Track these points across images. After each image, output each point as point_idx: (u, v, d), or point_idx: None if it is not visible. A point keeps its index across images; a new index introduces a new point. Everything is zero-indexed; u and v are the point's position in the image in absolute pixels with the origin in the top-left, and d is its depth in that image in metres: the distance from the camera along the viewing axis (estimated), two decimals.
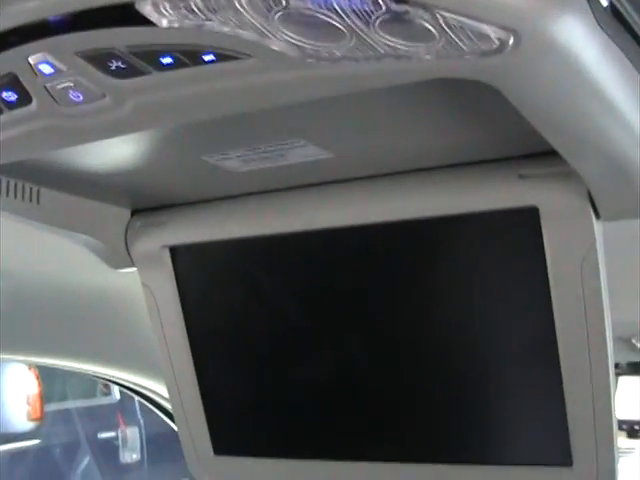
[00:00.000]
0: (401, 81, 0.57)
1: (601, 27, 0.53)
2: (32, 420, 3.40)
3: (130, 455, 4.54)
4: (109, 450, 4.47)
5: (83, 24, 0.54)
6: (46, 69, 0.58)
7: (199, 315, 1.05)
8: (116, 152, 0.83)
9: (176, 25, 0.53)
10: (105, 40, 0.55)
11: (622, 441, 2.43)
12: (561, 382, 0.85)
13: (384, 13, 0.49)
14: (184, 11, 0.52)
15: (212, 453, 1.10)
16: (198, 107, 0.61)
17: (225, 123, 0.67)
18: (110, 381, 1.79)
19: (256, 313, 1.03)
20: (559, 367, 0.85)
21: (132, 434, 4.54)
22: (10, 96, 0.61)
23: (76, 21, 0.54)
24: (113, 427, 4.53)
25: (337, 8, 0.50)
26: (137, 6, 0.52)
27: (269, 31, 0.52)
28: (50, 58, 0.57)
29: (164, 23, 0.53)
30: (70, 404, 4.38)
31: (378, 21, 0.50)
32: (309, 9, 0.50)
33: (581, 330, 0.83)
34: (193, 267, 1.03)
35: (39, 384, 3.40)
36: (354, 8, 0.49)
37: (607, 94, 0.58)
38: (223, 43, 0.53)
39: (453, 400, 0.94)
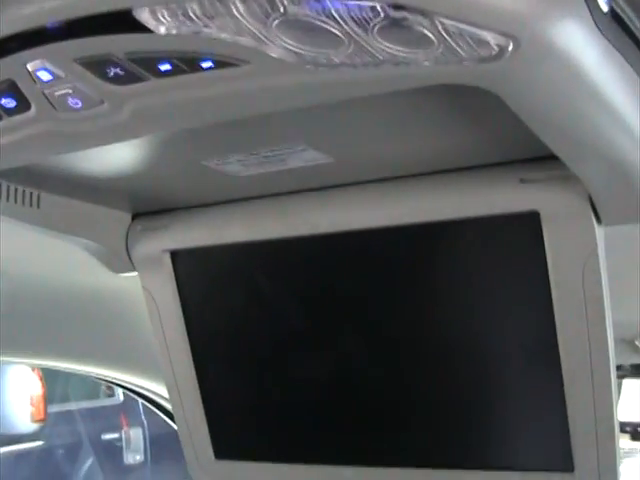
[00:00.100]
0: (400, 87, 0.57)
1: (601, 32, 0.53)
2: (35, 421, 3.40)
3: (133, 456, 4.53)
4: (112, 451, 4.47)
5: (81, 31, 0.54)
6: (44, 76, 0.58)
7: (200, 319, 1.05)
8: (117, 156, 0.83)
9: (174, 32, 0.52)
10: (103, 47, 0.55)
11: (625, 443, 2.42)
12: (562, 387, 0.85)
13: (382, 20, 0.49)
14: (182, 18, 0.52)
15: (213, 457, 1.10)
16: (196, 113, 0.61)
17: (225, 128, 0.67)
18: (113, 383, 1.79)
19: (257, 317, 1.03)
20: (560, 371, 0.84)
21: (135, 435, 4.53)
22: (9, 102, 0.61)
23: (74, 28, 0.54)
24: (116, 428, 4.53)
25: (335, 15, 0.49)
26: (135, 13, 0.52)
27: (267, 37, 0.52)
28: (48, 65, 0.57)
29: (162, 30, 0.52)
30: (73, 405, 4.38)
31: (376, 27, 0.50)
32: (307, 16, 0.50)
33: (582, 334, 0.82)
34: (194, 271, 1.03)
35: (42, 385, 3.40)
36: (352, 15, 0.49)
37: (607, 98, 0.58)
38: (221, 50, 0.53)
39: (454, 405, 0.94)
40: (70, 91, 0.59)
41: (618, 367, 1.50)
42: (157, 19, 0.52)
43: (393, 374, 0.96)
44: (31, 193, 0.90)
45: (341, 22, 0.50)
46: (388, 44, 0.51)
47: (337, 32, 0.50)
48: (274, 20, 0.50)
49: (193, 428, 1.10)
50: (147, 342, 1.13)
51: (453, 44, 0.50)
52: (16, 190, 0.88)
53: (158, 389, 1.68)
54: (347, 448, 1.02)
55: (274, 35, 0.51)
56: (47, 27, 0.55)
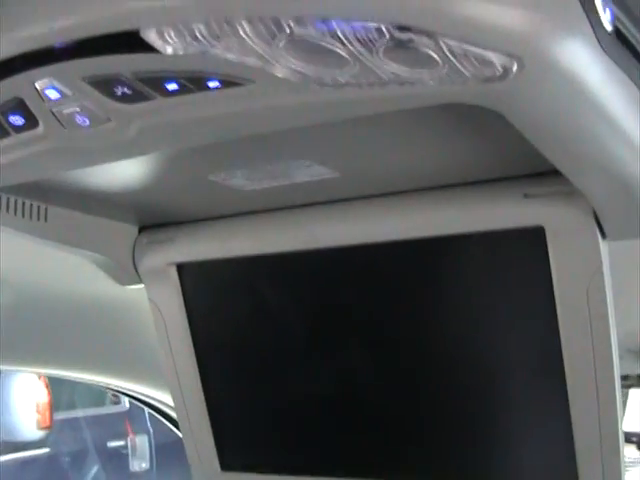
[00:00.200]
0: (404, 106, 0.57)
1: (604, 51, 0.53)
2: (41, 429, 3.40)
3: (139, 464, 4.53)
4: (118, 459, 4.46)
5: (89, 50, 0.55)
6: (52, 94, 0.59)
7: (206, 331, 1.05)
8: (124, 171, 0.83)
9: (180, 52, 0.53)
10: (111, 66, 0.56)
11: (631, 452, 2.41)
12: (567, 402, 0.85)
13: (388, 41, 0.49)
14: (188, 38, 0.52)
15: (219, 469, 1.11)
16: (202, 131, 0.62)
17: (232, 144, 0.68)
18: (118, 392, 1.79)
19: (262, 330, 1.03)
20: (565, 387, 0.84)
21: (141, 443, 4.53)
22: (17, 120, 0.62)
23: (82, 47, 0.55)
24: (122, 436, 4.53)
25: (341, 36, 0.50)
26: (142, 33, 0.52)
27: (273, 58, 0.52)
28: (56, 83, 0.58)
29: (169, 50, 0.53)
30: (79, 413, 4.38)
31: (382, 48, 0.50)
32: (313, 37, 0.50)
33: (587, 349, 0.82)
34: (200, 283, 1.04)
35: (49, 392, 3.40)
36: (358, 36, 0.50)
37: (611, 116, 0.58)
38: (227, 70, 0.54)
39: (459, 419, 0.94)
40: (78, 109, 0.60)
41: (625, 377, 1.49)
42: (164, 39, 0.52)
43: (397, 388, 0.96)
44: (38, 207, 0.91)
45: (347, 43, 0.50)
46: (393, 64, 0.51)
47: (343, 53, 0.51)
48: (280, 41, 0.51)
49: (199, 439, 1.10)
50: (152, 351, 1.13)
51: (458, 65, 0.50)
52: (24, 204, 0.89)
53: (163, 397, 1.68)
54: (352, 461, 1.02)
55: (280, 55, 0.52)
56: (55, 46, 0.55)
